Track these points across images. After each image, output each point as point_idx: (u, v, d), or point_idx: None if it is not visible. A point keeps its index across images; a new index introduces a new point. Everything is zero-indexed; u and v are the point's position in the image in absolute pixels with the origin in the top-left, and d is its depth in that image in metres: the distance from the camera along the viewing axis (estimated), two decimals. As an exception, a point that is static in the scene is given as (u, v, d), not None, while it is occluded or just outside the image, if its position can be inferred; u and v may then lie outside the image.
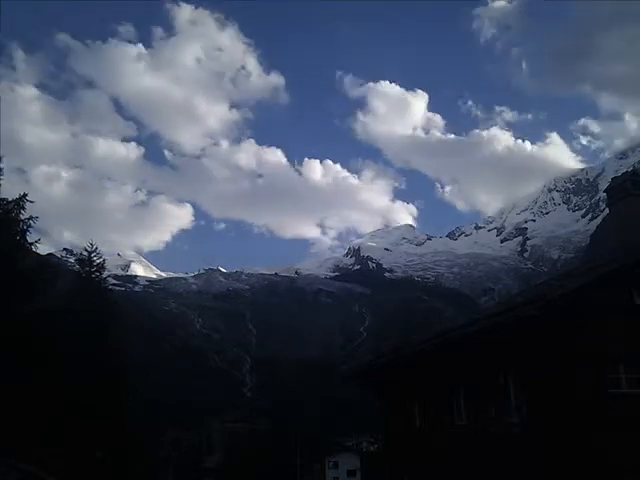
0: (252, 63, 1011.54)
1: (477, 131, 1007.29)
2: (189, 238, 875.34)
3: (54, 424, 24.44)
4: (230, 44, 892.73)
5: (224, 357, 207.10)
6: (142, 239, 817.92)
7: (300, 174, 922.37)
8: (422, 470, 19.46)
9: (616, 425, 13.12)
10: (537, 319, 13.47)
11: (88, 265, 32.49)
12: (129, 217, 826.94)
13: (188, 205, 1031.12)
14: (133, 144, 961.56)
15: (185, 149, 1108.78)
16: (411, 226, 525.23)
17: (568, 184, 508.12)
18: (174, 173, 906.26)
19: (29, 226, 25.29)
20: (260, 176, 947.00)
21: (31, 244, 25.72)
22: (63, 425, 25.13)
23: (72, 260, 45.04)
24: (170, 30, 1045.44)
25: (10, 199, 25.09)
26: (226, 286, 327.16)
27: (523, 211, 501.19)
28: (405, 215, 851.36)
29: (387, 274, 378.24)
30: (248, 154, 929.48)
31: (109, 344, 30.04)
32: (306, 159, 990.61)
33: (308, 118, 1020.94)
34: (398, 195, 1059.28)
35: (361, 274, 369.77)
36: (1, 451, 17.25)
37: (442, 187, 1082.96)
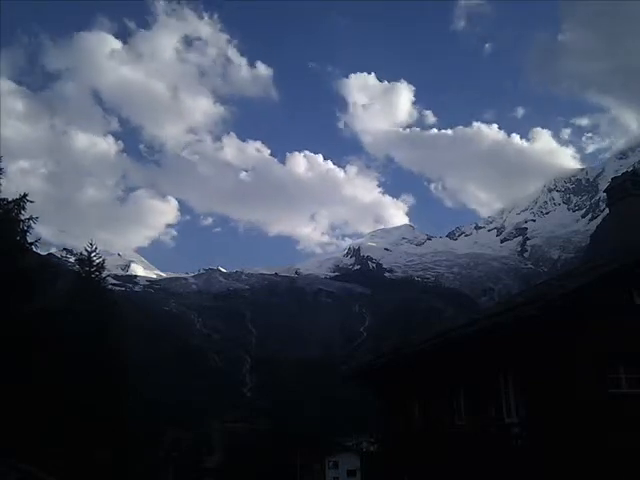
0: (236, 57, 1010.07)
1: (463, 127, 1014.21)
2: (175, 234, 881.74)
3: (54, 424, 24.42)
4: (211, 37, 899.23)
5: (224, 357, 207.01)
6: (127, 235, 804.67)
7: (287, 169, 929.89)
8: (422, 470, 19.45)
9: (616, 425, 13.12)
10: (537, 319, 13.46)
11: (88, 265, 32.46)
12: (112, 213, 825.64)
13: (173, 200, 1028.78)
14: (115, 139, 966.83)
15: (168, 144, 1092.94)
16: (411, 226, 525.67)
17: (568, 184, 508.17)
18: (157, 168, 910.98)
19: (29, 226, 25.32)
20: (245, 171, 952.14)
21: (31, 244, 25.73)
22: (63, 425, 25.11)
23: (72, 260, 44.98)
24: (147, 22, 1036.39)
25: (10, 199, 25.12)
26: (226, 286, 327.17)
27: (523, 211, 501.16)
28: (395, 210, 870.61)
29: (387, 274, 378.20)
30: (232, 149, 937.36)
31: (109, 344, 29.99)
32: (293, 154, 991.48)
33: (294, 112, 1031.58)
34: (388, 191, 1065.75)
35: (361, 274, 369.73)
36: (1, 451, 17.24)
37: (429, 183, 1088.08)
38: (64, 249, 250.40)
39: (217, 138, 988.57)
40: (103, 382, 27.81)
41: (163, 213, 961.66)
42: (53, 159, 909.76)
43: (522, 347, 14.76)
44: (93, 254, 32.74)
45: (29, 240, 25.55)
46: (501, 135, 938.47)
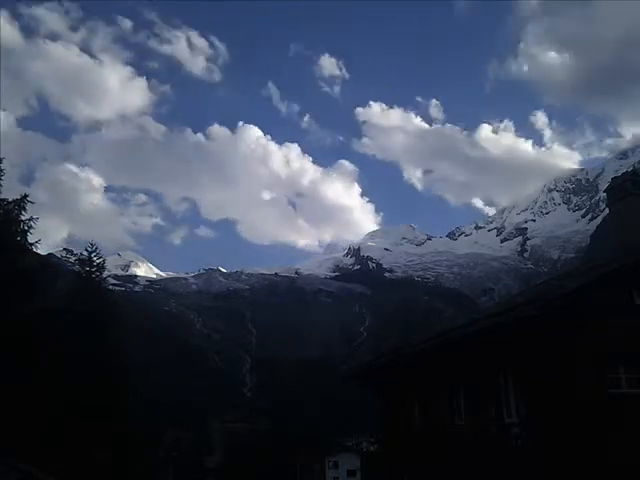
0: (159, 26, 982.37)
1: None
2: (104, 212, 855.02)
3: (54, 424, 24.43)
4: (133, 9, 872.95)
5: (224, 357, 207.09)
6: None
7: (225, 147, 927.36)
8: (422, 470, 19.45)
9: (616, 425, 13.12)
10: (537, 319, 13.46)
11: (88, 265, 32.49)
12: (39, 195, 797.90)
13: (97, 177, 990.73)
14: (30, 114, 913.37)
15: (84, 118, 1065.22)
16: (411, 226, 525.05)
17: (568, 184, 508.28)
18: (78, 144, 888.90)
19: (30, 227, 25.34)
20: (171, 146, 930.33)
21: (32, 244, 25.76)
22: (63, 425, 25.12)
23: (72, 260, 45.04)
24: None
25: (10, 199, 25.16)
26: (226, 286, 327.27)
27: (523, 211, 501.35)
28: (341, 187, 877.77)
29: (387, 274, 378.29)
30: (159, 124, 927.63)
31: (109, 344, 30.01)
32: (216, 128, 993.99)
33: (230, 88, 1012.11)
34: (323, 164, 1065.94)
35: (361, 274, 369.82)
36: (1, 451, 17.25)
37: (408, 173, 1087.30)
38: (64, 249, 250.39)
39: (142, 110, 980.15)
40: (103, 382, 27.81)
41: (86, 191, 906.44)
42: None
43: (522, 347, 14.76)
44: (93, 254, 32.80)
45: (29, 240, 25.60)
46: (511, 137, 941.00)
